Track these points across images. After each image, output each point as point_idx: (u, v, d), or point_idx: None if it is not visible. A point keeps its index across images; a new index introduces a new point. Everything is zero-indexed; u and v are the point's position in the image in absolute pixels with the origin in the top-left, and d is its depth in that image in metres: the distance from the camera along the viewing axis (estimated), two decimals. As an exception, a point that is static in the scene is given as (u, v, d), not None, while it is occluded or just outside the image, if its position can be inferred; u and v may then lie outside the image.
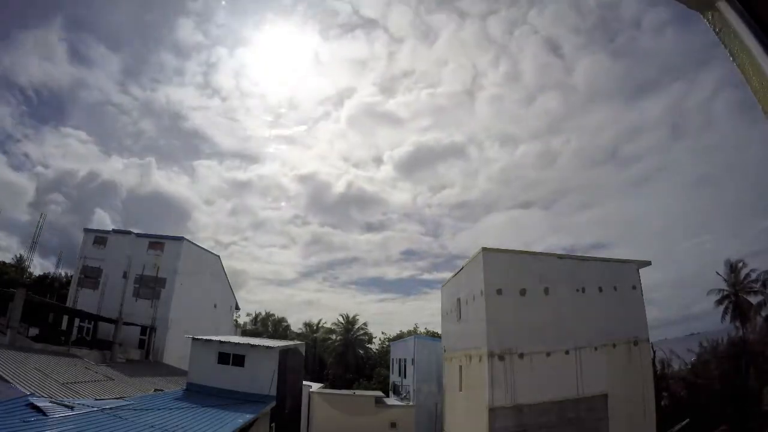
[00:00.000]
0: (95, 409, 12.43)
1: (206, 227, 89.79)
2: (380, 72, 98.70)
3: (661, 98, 76.71)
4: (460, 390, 20.28)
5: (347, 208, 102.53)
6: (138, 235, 32.85)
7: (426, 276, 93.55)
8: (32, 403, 11.21)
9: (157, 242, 32.13)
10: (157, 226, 71.99)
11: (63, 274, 43.99)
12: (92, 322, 29.51)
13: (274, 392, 18.99)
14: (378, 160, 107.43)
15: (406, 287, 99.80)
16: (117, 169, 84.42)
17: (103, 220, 66.53)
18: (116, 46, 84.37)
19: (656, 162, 78.91)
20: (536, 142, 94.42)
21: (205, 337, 20.85)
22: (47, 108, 79.27)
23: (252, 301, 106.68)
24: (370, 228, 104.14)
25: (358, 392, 31.03)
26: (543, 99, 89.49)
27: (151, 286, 30.73)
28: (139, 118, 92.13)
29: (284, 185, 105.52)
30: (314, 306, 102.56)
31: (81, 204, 70.12)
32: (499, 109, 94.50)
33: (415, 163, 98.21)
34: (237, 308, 42.19)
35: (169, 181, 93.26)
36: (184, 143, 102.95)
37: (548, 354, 16.60)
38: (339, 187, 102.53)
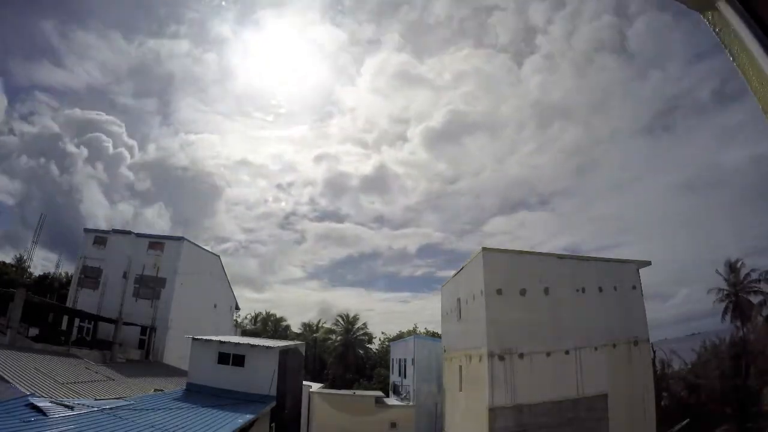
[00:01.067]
0: (95, 409, 12.43)
1: (205, 215, 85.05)
2: (411, 20, 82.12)
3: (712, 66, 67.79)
4: (460, 390, 20.28)
5: (360, 197, 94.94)
6: (138, 235, 32.95)
7: (441, 273, 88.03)
8: (32, 403, 11.20)
9: (157, 242, 32.22)
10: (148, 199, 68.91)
11: (63, 274, 44.07)
12: (92, 322, 29.52)
13: (274, 392, 18.98)
14: (402, 137, 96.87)
15: (418, 285, 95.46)
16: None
17: (83, 170, 65.67)
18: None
19: (664, 158, 76.09)
20: (576, 117, 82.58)
21: (205, 337, 20.83)
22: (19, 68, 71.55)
23: (256, 300, 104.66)
24: (385, 223, 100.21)
25: (358, 392, 30.97)
26: (597, 65, 75.92)
27: (151, 286, 30.76)
28: (126, 77, 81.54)
29: (293, 165, 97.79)
30: (318, 306, 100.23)
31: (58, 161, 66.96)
32: (546, 77, 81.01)
33: (442, 140, 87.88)
34: (237, 308, 42.25)
35: (158, 150, 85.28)
36: (176, 108, 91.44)
37: (548, 354, 16.61)
38: (355, 171, 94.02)
